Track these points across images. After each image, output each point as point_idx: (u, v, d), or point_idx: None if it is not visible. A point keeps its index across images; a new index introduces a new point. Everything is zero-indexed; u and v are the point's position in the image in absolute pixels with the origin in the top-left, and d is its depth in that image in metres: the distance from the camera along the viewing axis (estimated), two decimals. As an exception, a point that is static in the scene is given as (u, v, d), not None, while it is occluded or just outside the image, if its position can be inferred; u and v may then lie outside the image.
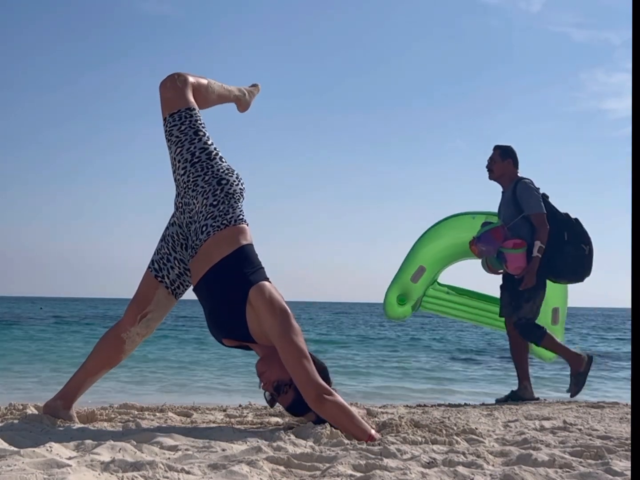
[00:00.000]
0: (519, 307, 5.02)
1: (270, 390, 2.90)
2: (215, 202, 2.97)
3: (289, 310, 2.86)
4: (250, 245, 3.00)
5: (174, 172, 3.08)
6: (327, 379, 2.88)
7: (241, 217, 3.02)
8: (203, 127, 3.09)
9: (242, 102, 3.57)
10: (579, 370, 4.98)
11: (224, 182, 3.01)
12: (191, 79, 3.16)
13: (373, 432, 2.70)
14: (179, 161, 3.04)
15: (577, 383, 4.99)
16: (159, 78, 3.13)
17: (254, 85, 3.65)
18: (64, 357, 10.49)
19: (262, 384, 2.92)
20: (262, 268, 2.98)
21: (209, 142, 3.07)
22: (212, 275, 2.92)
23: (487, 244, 4.97)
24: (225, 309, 2.89)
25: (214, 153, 3.06)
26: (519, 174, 5.18)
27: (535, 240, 4.89)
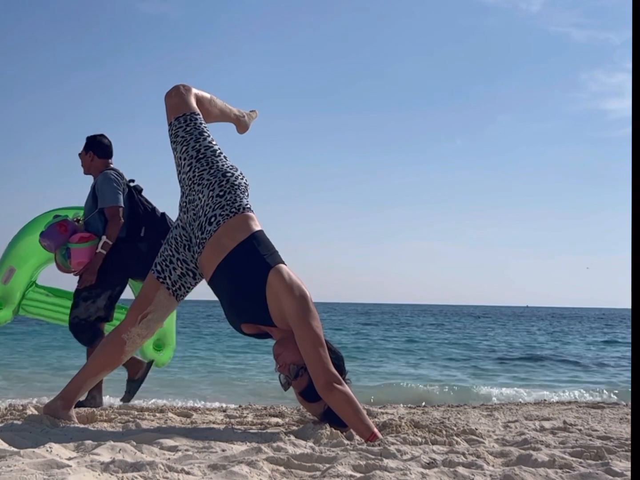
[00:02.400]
0: (76, 305, 4.59)
1: (286, 372, 2.89)
2: (221, 193, 3.00)
3: (308, 294, 2.86)
4: (262, 231, 3.02)
5: (179, 172, 3.11)
6: (341, 369, 2.87)
7: (248, 205, 3.05)
8: (207, 130, 3.16)
9: (241, 123, 3.70)
10: (135, 378, 4.66)
11: (229, 174, 3.06)
12: (195, 90, 3.26)
13: (376, 430, 2.70)
14: (184, 159, 3.08)
15: (130, 390, 4.69)
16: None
17: (252, 111, 3.78)
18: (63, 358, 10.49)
19: (277, 366, 2.92)
20: (277, 251, 2.99)
21: (214, 143, 3.14)
22: (229, 262, 2.91)
23: (50, 239, 4.49)
24: (246, 294, 2.89)
25: (218, 151, 3.12)
26: (111, 165, 4.87)
27: (103, 235, 4.56)
